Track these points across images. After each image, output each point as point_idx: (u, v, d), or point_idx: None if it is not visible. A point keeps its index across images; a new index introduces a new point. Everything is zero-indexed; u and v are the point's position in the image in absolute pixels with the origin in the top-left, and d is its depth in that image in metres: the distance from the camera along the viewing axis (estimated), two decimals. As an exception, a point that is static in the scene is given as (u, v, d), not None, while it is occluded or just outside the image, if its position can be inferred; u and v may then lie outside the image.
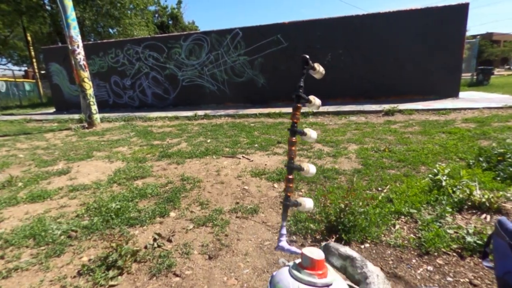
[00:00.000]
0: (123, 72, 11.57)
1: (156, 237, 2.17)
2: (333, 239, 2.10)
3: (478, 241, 1.86)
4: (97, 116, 7.87)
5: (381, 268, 1.78)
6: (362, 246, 2.01)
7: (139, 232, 2.32)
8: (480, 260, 1.76)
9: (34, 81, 22.39)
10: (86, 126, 7.78)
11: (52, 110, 13.05)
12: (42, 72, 19.97)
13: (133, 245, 2.08)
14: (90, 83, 7.65)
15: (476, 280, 1.61)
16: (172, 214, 2.58)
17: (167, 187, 3.15)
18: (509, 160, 2.97)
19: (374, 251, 1.95)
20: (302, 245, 2.05)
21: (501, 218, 1.30)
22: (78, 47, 7.29)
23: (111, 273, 1.80)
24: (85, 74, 7.46)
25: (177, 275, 1.81)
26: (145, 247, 2.09)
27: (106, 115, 9.67)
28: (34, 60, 21.09)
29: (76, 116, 9.26)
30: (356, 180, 3.08)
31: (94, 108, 7.73)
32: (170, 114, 9.13)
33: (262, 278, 1.76)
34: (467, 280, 1.62)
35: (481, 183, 2.71)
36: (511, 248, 1.18)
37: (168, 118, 8.61)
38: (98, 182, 3.43)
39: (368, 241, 2.05)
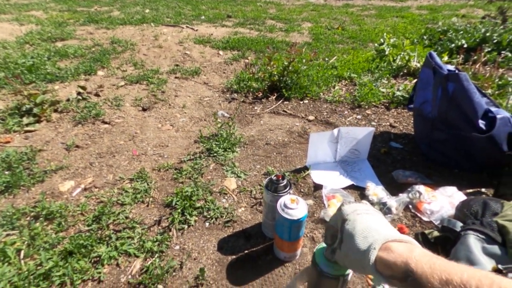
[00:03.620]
0: None
1: (81, 90, 1.93)
2: (274, 96, 2.08)
3: (405, 95, 1.99)
4: (-4, -26, 6.05)
5: (316, 117, 1.86)
6: (301, 102, 2.04)
7: (60, 87, 2.04)
8: (402, 109, 1.92)
9: None
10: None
11: None
12: None
13: (53, 98, 1.83)
14: None
15: (395, 124, 1.77)
16: (100, 73, 2.28)
17: (93, 49, 2.72)
18: (449, 35, 3.05)
19: (311, 106, 2.00)
20: (243, 102, 2.02)
21: (431, 51, 1.31)
22: None
23: (26, 120, 1.60)
24: None
25: (106, 123, 1.69)
26: (67, 100, 1.86)
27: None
28: None
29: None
30: (305, 51, 2.97)
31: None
32: (99, -19, 7.43)
33: (198, 125, 1.73)
34: (388, 123, 1.78)
35: (419, 56, 2.80)
36: (434, 72, 1.21)
37: (97, -14, 7.04)
38: (3, 42, 2.81)
39: (308, 98, 2.08)
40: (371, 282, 0.88)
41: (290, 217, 0.82)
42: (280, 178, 0.92)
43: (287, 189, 0.92)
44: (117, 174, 1.31)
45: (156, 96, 2.00)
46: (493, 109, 1.17)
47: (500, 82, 1.98)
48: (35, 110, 1.63)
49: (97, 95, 1.96)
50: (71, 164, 1.36)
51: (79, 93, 1.91)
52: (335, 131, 1.31)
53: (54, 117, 1.70)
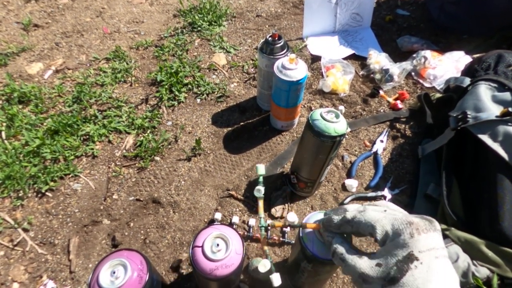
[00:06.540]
0: None
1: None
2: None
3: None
4: None
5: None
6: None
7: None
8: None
9: None
10: None
11: None
12: None
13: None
14: None
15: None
16: None
17: None
18: None
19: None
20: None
21: None
22: None
23: (-37, -4, 1.31)
24: None
25: (64, -3, 1.41)
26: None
27: None
28: None
29: None
30: None
31: None
32: None
33: (176, -3, 1.46)
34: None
35: None
36: None
37: None
38: None
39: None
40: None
41: (289, 78, 0.75)
42: (277, 38, 0.80)
43: (285, 51, 0.82)
44: (90, 54, 1.16)
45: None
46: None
47: None
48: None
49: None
50: (34, 45, 1.18)
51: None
52: (337, -13, 1.11)
53: (-2, -8, 1.40)
